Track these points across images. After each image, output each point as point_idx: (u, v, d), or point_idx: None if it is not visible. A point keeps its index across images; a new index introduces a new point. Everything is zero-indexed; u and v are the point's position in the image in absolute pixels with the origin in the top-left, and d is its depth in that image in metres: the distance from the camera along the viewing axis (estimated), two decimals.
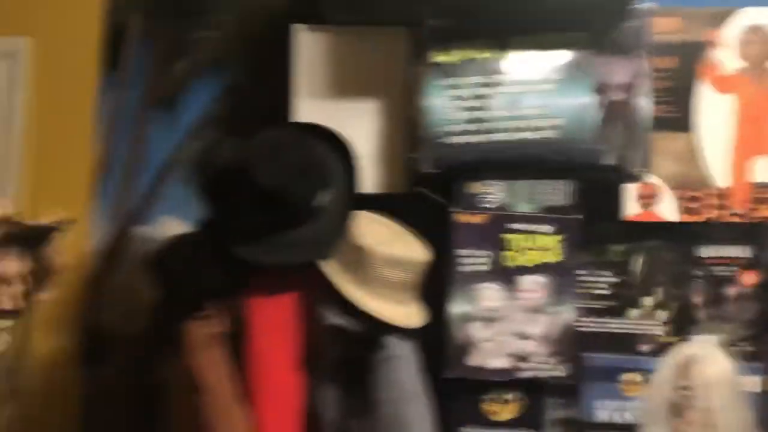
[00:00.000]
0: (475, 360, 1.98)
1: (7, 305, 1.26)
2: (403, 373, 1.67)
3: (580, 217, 2.02)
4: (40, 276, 1.39)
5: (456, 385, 2.01)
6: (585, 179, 2.04)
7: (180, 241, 1.93)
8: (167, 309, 1.86)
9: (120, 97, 2.46)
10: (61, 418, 2.41)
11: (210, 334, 1.69)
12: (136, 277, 2.42)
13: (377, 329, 1.70)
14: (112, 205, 2.44)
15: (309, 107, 2.13)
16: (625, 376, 2.14)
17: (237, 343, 1.71)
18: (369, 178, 2.12)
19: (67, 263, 1.52)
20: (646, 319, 2.16)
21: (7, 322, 1.29)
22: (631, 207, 2.14)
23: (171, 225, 2.41)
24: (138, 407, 2.43)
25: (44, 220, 1.30)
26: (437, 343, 1.98)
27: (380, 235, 1.81)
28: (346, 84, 2.17)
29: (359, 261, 1.73)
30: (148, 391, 2.43)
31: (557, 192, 2.03)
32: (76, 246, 2.27)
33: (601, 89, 1.97)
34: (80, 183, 2.44)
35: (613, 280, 2.16)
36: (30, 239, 1.34)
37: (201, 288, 1.75)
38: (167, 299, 1.87)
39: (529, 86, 1.98)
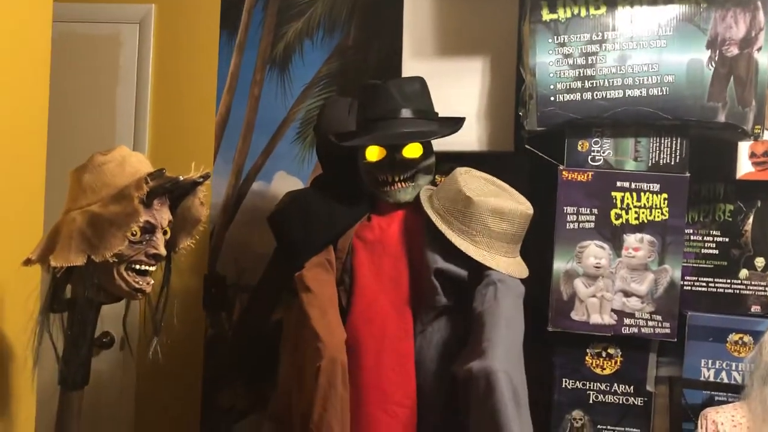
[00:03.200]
0: (578, 315, 2.01)
1: (161, 251, 1.39)
2: (504, 296, 1.67)
3: (689, 175, 2.00)
4: (183, 225, 1.51)
5: (559, 339, 2.06)
6: (695, 137, 2.01)
7: (295, 197, 2.03)
8: (283, 261, 1.97)
9: (238, 59, 2.60)
10: (188, 352, 2.66)
11: (319, 262, 1.76)
12: (252, 231, 2.60)
13: (481, 275, 1.73)
14: (231, 162, 2.61)
15: (417, 66, 2.18)
16: (733, 337, 2.13)
17: (345, 286, 1.79)
18: (476, 136, 2.17)
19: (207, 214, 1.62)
20: (756, 279, 2.12)
21: (152, 267, 1.43)
22: (743, 166, 2.09)
23: (285, 180, 2.55)
24: (252, 352, 2.62)
25: (187, 174, 1.41)
26: (541, 298, 2.04)
27: (486, 189, 1.85)
28: (454, 43, 2.21)
29: (465, 211, 1.79)
30: (262, 339, 2.62)
31: (665, 150, 2.01)
32: None
33: (714, 44, 1.92)
34: (202, 140, 2.62)
35: (723, 239, 2.14)
36: (177, 191, 1.46)
37: (314, 239, 1.85)
38: (283, 252, 1.98)
39: (639, 42, 1.96)
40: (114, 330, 2.71)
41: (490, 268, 1.74)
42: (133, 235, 1.35)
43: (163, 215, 1.42)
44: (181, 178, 1.40)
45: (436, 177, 2.04)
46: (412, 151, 1.88)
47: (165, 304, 1.52)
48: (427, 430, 1.68)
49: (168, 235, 1.48)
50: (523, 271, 1.86)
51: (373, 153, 1.89)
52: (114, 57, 2.65)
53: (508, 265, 1.77)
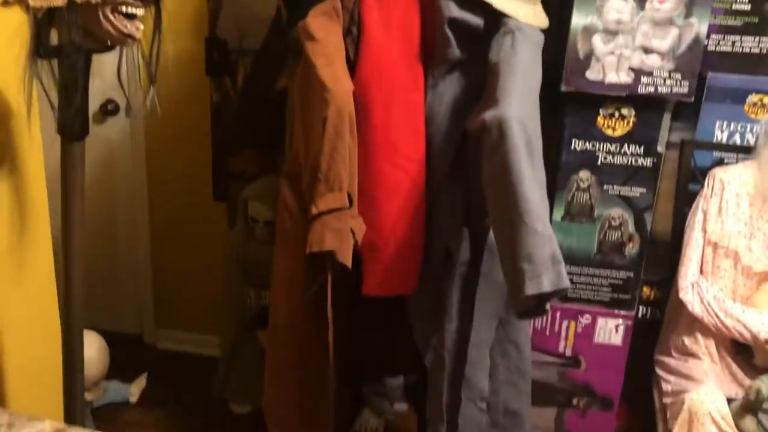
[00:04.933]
0: (594, 74, 1.93)
1: None
2: (522, 45, 1.56)
3: None
4: None
5: (572, 100, 1.99)
6: None
7: None
8: (289, 13, 1.86)
9: None
10: (195, 117, 2.64)
11: (325, 10, 1.65)
12: None
13: (498, 23, 1.62)
14: None
15: None
16: (753, 98, 2.05)
17: (353, 39, 1.68)
18: None
19: None
20: None
21: (140, 10, 1.33)
22: None
23: None
24: (260, 118, 2.59)
25: None
26: (556, 57, 1.94)
27: None
28: None
29: None
30: (268, 104, 2.58)
31: None
32: None
33: None
34: None
35: None
36: None
37: None
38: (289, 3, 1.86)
39: None
40: (119, 97, 2.66)
41: (508, 16, 1.61)
42: None
43: None
44: None
45: None
46: None
47: (158, 52, 1.44)
48: (433, 185, 1.68)
49: None
50: (543, 20, 1.73)
51: None
52: None
53: (527, 13, 1.64)
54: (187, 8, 2.52)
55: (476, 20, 1.62)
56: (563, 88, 1.95)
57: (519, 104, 1.46)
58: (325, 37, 1.59)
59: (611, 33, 1.90)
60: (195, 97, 2.61)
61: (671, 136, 2.07)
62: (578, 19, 1.90)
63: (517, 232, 1.39)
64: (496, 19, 1.62)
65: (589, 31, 1.90)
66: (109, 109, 2.74)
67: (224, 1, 2.50)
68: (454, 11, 1.60)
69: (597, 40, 1.91)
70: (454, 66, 1.65)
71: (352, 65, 1.68)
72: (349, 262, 1.53)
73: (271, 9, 2.45)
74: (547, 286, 1.36)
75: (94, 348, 2.47)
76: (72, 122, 1.40)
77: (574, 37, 1.91)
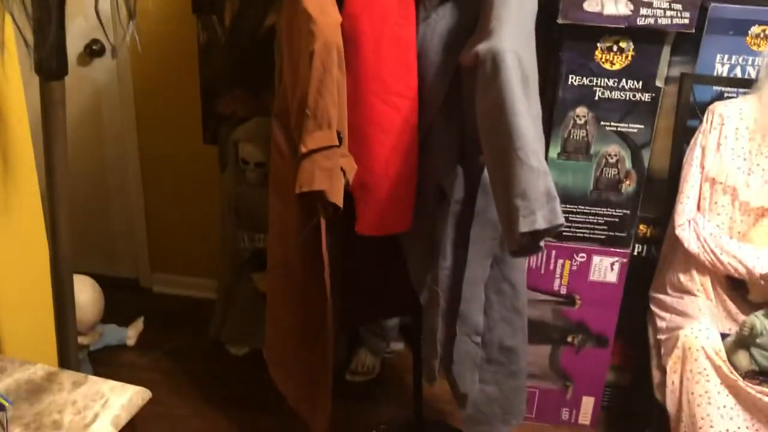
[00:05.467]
0: (592, 6, 1.87)
1: None
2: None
3: None
4: None
5: (568, 33, 1.93)
6: None
7: None
8: None
9: None
10: (183, 57, 2.57)
11: None
12: None
13: None
14: None
15: None
16: (755, 29, 2.00)
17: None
18: None
19: None
20: None
21: None
22: None
23: None
24: (251, 55, 2.52)
25: None
26: None
27: None
28: None
29: None
30: (256, 43, 2.51)
31: None
32: None
33: None
34: None
35: None
36: None
37: None
38: None
39: None
40: (104, 37, 2.59)
41: None
42: None
43: None
44: None
45: None
46: None
47: None
48: (426, 121, 1.63)
49: None
50: None
51: None
52: None
53: None
54: None
55: None
56: (560, 20, 1.89)
57: (513, 36, 1.40)
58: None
59: None
60: (182, 37, 2.54)
61: (671, 71, 2.02)
62: None
63: (511, 168, 1.36)
64: None
65: None
66: (94, 50, 2.67)
67: None
68: None
69: None
70: None
71: None
72: (340, 202, 1.50)
73: None
74: (541, 222, 1.34)
75: (88, 292, 2.46)
76: (48, 60, 1.35)
77: None
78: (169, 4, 2.48)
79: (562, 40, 1.95)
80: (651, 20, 1.87)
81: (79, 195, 2.50)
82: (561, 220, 1.36)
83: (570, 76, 1.98)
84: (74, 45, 2.63)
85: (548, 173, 1.38)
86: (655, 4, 1.86)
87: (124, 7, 1.46)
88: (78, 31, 2.59)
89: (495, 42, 1.38)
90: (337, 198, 1.49)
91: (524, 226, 1.35)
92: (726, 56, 2.04)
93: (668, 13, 1.86)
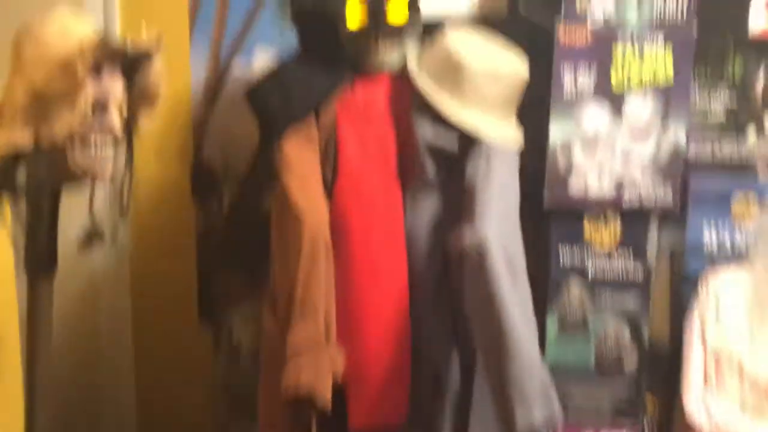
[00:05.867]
0: (575, 188, 1.91)
1: (116, 126, 1.28)
2: (497, 163, 1.58)
3: (695, 30, 1.84)
4: (138, 103, 1.39)
5: (557, 214, 1.97)
6: None
7: (271, 68, 1.90)
8: (264, 137, 1.87)
9: None
10: (177, 246, 2.60)
11: (300, 135, 1.66)
12: (236, 113, 2.47)
13: (473, 145, 1.64)
14: (209, 39, 2.44)
15: None
16: (737, 201, 2.03)
17: (330, 162, 1.69)
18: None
19: (164, 92, 1.50)
20: (764, 141, 2.00)
21: (109, 150, 1.31)
22: (756, 19, 1.93)
23: (266, 56, 2.40)
24: (249, 240, 2.56)
25: (136, 42, 1.28)
26: (536, 170, 1.93)
27: (478, 51, 1.72)
28: None
29: (455, 75, 1.66)
30: (257, 224, 2.56)
31: (670, 1, 1.84)
32: (176, 80, 2.32)
33: None
34: (177, 16, 2.44)
35: (730, 100, 2.00)
36: (126, 63, 1.33)
37: (292, 106, 1.74)
38: (261, 127, 1.88)
39: None
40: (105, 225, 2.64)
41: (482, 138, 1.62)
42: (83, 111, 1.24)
43: (114, 88, 1.29)
44: (129, 45, 1.27)
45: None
46: (397, 12, 1.73)
47: (129, 185, 1.42)
48: (418, 310, 1.63)
49: (129, 113, 1.37)
50: (517, 138, 1.75)
51: (355, 17, 1.75)
52: None
53: (501, 133, 1.66)
54: (172, 131, 2.53)
55: (452, 145, 1.62)
56: (546, 205, 1.92)
57: (498, 224, 1.43)
58: (298, 156, 1.59)
59: (590, 145, 1.90)
60: (180, 227, 2.58)
61: (661, 243, 2.04)
62: (556, 132, 1.90)
63: (504, 362, 1.34)
64: (472, 140, 1.63)
65: (567, 144, 1.91)
66: (93, 238, 2.71)
67: (210, 129, 2.53)
68: (429, 137, 1.61)
69: (576, 153, 1.91)
70: (433, 187, 1.65)
71: (330, 185, 1.67)
72: (328, 406, 1.45)
73: (255, 134, 2.47)
74: (539, 419, 1.30)
75: None
76: (37, 259, 1.36)
77: (552, 151, 1.91)
78: (167, 192, 2.55)
79: (551, 222, 1.98)
80: (636, 204, 1.91)
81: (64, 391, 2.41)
82: (558, 412, 1.32)
83: (561, 254, 1.98)
84: (74, 232, 2.66)
85: (542, 365, 1.36)
86: (637, 184, 1.91)
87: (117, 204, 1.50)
88: (80, 219, 2.63)
89: (479, 232, 1.41)
90: (325, 400, 1.45)
91: (523, 427, 1.31)
92: (713, 224, 2.05)
93: (652, 192, 1.91)
